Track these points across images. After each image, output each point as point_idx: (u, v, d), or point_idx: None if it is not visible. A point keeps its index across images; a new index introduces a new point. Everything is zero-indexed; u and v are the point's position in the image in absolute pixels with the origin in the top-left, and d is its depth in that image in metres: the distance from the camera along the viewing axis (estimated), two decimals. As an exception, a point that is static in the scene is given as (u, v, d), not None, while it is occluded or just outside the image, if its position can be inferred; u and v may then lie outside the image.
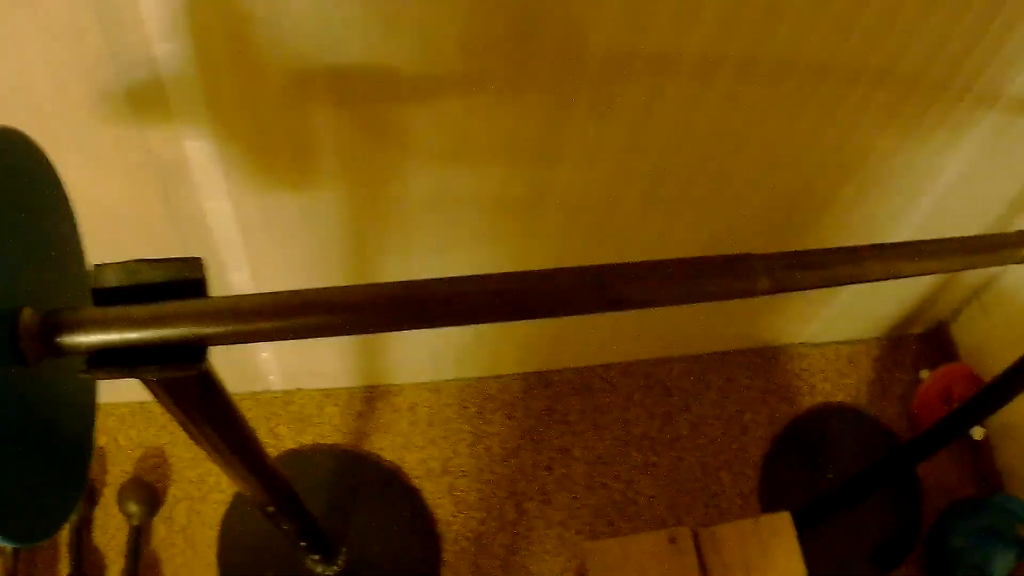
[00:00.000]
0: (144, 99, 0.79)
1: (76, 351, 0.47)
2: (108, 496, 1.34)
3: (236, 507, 1.38)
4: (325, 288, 0.46)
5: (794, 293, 1.55)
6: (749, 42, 0.85)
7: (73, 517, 1.33)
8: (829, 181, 1.15)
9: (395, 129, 0.87)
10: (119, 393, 1.34)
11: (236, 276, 1.09)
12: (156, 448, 1.40)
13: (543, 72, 0.84)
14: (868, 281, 0.59)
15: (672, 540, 1.01)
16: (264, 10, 0.72)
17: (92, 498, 1.36)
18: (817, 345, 1.65)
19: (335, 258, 1.11)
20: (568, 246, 1.15)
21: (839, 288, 1.47)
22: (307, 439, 1.44)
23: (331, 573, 1.33)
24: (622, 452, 1.46)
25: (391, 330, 0.48)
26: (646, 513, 1.42)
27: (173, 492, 1.38)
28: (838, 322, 1.61)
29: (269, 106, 0.82)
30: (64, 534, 1.33)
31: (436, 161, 0.93)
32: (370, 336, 1.35)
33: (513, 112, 0.88)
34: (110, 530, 1.35)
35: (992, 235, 1.10)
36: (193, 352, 0.46)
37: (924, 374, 1.62)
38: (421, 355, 1.43)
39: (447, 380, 1.51)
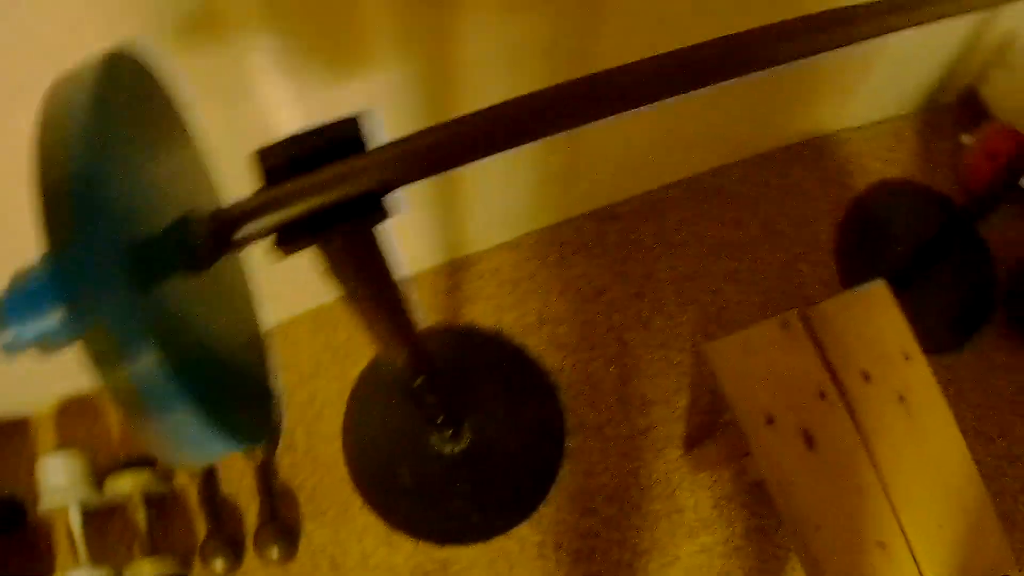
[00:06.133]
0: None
1: (258, 236, 0.49)
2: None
3: (351, 414, 1.41)
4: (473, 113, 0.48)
5: (824, 77, 1.52)
6: None
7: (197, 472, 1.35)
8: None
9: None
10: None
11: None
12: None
13: None
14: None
15: (784, 325, 1.06)
16: None
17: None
18: (858, 128, 1.66)
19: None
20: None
21: (868, 67, 1.45)
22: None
23: (459, 450, 1.35)
24: (704, 265, 1.47)
25: (573, 125, 0.51)
26: (740, 316, 1.45)
27: (287, 421, 1.40)
28: (872, 102, 1.60)
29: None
30: (192, 492, 1.34)
31: (489, 13, 0.90)
32: (442, 208, 1.35)
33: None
34: (234, 478, 1.36)
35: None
36: (372, 203, 0.49)
37: (965, 138, 1.64)
38: (493, 216, 1.43)
39: (523, 235, 1.50)
